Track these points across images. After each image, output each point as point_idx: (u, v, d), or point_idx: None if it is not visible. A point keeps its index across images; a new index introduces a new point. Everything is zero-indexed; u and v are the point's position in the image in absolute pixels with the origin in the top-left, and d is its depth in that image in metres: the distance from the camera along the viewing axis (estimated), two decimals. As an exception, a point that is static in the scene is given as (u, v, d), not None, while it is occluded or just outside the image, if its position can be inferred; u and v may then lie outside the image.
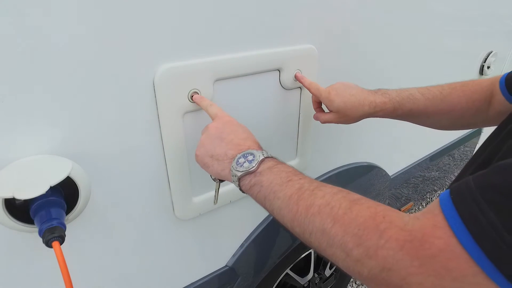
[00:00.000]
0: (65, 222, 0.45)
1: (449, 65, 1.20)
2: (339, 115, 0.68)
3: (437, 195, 2.33)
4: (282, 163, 0.46)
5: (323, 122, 0.72)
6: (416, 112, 0.69)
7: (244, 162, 0.46)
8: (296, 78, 0.72)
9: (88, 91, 0.49)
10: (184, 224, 0.71)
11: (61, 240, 0.42)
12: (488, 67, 1.36)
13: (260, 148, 0.49)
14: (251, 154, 0.46)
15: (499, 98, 0.61)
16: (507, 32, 1.40)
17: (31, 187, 0.42)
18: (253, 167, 0.45)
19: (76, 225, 0.54)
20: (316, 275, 1.32)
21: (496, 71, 1.47)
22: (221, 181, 0.54)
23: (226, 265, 0.85)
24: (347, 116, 0.68)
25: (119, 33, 0.48)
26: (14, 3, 0.40)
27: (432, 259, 0.29)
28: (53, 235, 0.41)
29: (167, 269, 0.74)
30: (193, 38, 0.56)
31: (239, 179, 0.46)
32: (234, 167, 0.46)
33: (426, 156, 1.42)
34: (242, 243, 0.87)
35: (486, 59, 1.35)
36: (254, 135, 0.53)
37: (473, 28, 1.21)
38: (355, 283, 1.70)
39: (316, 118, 0.73)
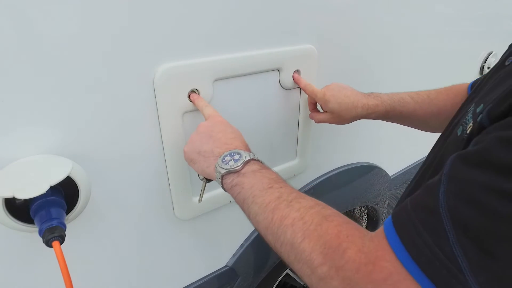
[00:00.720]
0: (65, 222, 0.45)
1: (450, 65, 1.20)
2: (333, 115, 0.70)
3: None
4: (267, 168, 0.47)
5: (318, 122, 0.74)
6: (407, 114, 0.72)
7: (230, 160, 0.46)
8: (293, 79, 0.72)
9: (88, 91, 0.49)
10: (184, 224, 0.71)
11: (61, 240, 0.42)
12: (489, 67, 1.36)
13: (247, 149, 0.50)
14: (238, 153, 0.47)
15: None
16: (507, 32, 1.40)
17: (31, 187, 0.42)
18: (238, 166, 0.45)
19: (76, 225, 0.54)
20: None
21: (496, 72, 1.47)
22: (208, 180, 0.54)
23: (226, 265, 0.85)
24: (341, 116, 0.70)
25: (119, 33, 0.48)
26: (14, 4, 0.40)
27: (384, 283, 0.30)
28: (53, 234, 0.41)
29: (167, 269, 0.74)
30: (192, 38, 0.56)
31: (222, 176, 0.46)
32: (219, 164, 0.46)
33: (426, 156, 1.42)
34: (242, 243, 0.87)
35: (486, 59, 1.35)
36: (253, 135, 0.53)
37: (473, 29, 1.21)
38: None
39: (311, 117, 0.76)
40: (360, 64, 0.87)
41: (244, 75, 0.65)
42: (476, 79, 0.62)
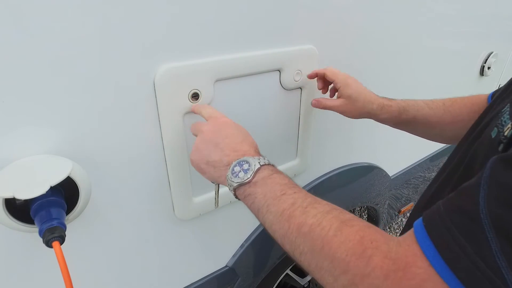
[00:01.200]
0: (66, 222, 0.45)
1: (450, 65, 1.20)
2: (349, 102, 0.67)
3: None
4: (278, 172, 0.45)
5: (324, 107, 0.70)
6: (420, 120, 0.69)
7: (240, 171, 0.44)
8: (309, 76, 0.72)
9: (89, 91, 0.49)
10: (184, 224, 0.71)
11: (61, 240, 0.42)
12: (489, 68, 1.36)
13: (256, 152, 0.48)
14: (247, 162, 0.45)
15: None
16: (507, 33, 1.40)
17: (32, 187, 0.42)
18: (248, 178, 0.43)
19: (76, 225, 0.54)
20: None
21: (497, 72, 1.47)
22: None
23: (226, 266, 0.85)
24: (354, 106, 0.67)
25: (119, 34, 0.48)
26: (14, 4, 0.40)
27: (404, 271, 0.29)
28: (53, 235, 0.41)
29: (167, 269, 0.74)
30: (193, 38, 0.56)
31: (235, 189, 0.45)
32: (229, 177, 0.45)
33: (426, 156, 1.42)
34: (242, 244, 0.87)
35: (486, 59, 1.35)
36: (254, 135, 0.53)
37: (473, 29, 1.21)
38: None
39: (317, 102, 0.70)
40: (360, 64, 0.87)
41: (245, 76, 0.65)
42: (497, 89, 0.59)
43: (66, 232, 0.43)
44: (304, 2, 0.67)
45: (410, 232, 0.32)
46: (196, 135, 0.52)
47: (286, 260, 1.04)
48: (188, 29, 0.55)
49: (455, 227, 0.28)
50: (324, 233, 0.35)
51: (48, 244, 0.41)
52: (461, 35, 1.18)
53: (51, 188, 0.43)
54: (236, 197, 0.46)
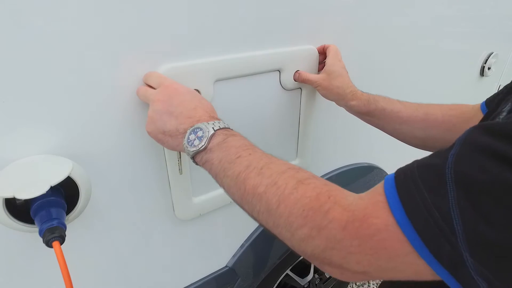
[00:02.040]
0: (66, 222, 0.45)
1: (450, 66, 1.20)
2: (327, 79, 0.69)
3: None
4: (234, 135, 0.44)
5: (304, 80, 0.71)
6: (389, 113, 0.67)
7: (195, 139, 0.44)
8: (318, 48, 0.73)
9: (89, 90, 0.49)
10: (184, 225, 0.71)
11: (62, 240, 0.42)
12: (489, 68, 1.36)
13: (211, 117, 0.47)
14: (200, 129, 0.44)
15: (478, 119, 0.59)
16: (508, 33, 1.40)
17: (32, 187, 0.42)
18: (203, 145, 0.43)
19: (76, 225, 0.54)
20: (316, 276, 1.32)
21: (497, 72, 1.47)
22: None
23: (226, 266, 0.85)
24: (330, 85, 0.68)
25: (119, 34, 0.48)
26: (15, 4, 0.40)
27: (370, 239, 0.29)
28: (54, 235, 0.41)
29: (167, 269, 0.74)
30: (193, 38, 0.56)
31: (192, 157, 0.45)
32: (185, 145, 0.44)
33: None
34: (242, 244, 0.87)
35: (486, 60, 1.35)
36: (254, 135, 0.52)
37: (473, 29, 1.21)
38: (355, 284, 1.69)
39: (298, 74, 0.71)
40: (359, 64, 0.87)
41: (245, 76, 0.65)
42: (491, 96, 0.58)
43: (66, 232, 0.43)
44: (305, 2, 0.67)
45: (379, 185, 0.33)
46: (145, 102, 0.51)
47: (286, 260, 1.04)
48: (188, 29, 0.55)
49: (421, 181, 0.29)
50: (280, 192, 0.35)
51: (48, 244, 0.41)
52: (461, 35, 1.18)
53: (51, 188, 0.43)
54: (196, 164, 0.46)
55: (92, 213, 0.56)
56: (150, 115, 0.49)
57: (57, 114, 0.48)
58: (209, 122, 0.45)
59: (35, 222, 0.44)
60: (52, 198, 0.45)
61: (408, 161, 0.52)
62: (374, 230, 0.29)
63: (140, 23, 0.50)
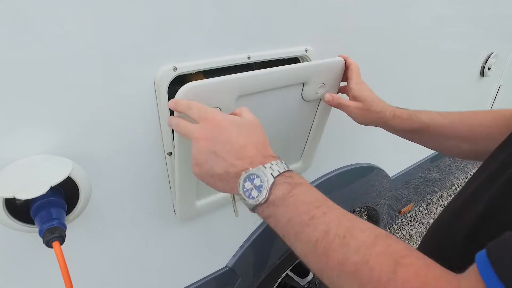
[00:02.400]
0: (66, 222, 0.45)
1: (450, 66, 1.20)
2: (363, 106, 0.65)
3: (438, 196, 2.33)
4: (298, 184, 0.38)
5: (338, 105, 0.67)
6: (433, 128, 0.64)
7: (252, 189, 0.38)
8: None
9: (89, 90, 0.49)
10: (184, 225, 0.71)
11: (62, 240, 0.42)
12: (489, 69, 1.36)
13: (265, 156, 0.41)
14: (257, 176, 0.38)
15: None
16: (508, 33, 1.40)
17: (32, 187, 0.42)
18: (264, 198, 0.37)
19: (76, 226, 0.54)
20: (316, 277, 1.32)
21: (497, 73, 1.47)
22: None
23: (226, 266, 0.85)
24: (369, 112, 0.65)
25: (128, 38, 0.48)
26: (15, 4, 0.40)
27: None
28: (54, 235, 0.41)
29: (168, 270, 0.74)
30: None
31: (252, 210, 0.40)
32: (242, 195, 0.39)
33: (427, 157, 1.42)
34: (243, 244, 0.87)
35: (487, 60, 1.35)
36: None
37: (474, 30, 1.21)
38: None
39: (332, 98, 0.67)
40: (360, 65, 0.87)
41: (269, 90, 0.61)
42: None
43: (66, 232, 0.43)
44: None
45: (473, 269, 0.28)
46: (186, 137, 0.45)
47: (286, 260, 1.04)
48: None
49: None
50: (375, 277, 0.30)
51: (48, 244, 0.41)
52: (461, 35, 1.18)
53: (51, 188, 0.43)
54: (255, 213, 0.41)
55: (92, 214, 0.56)
56: (195, 157, 0.43)
57: (57, 114, 0.48)
58: (265, 166, 0.39)
59: (35, 222, 0.44)
60: (52, 198, 0.45)
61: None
62: None
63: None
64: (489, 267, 0.26)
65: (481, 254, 0.27)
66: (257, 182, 0.38)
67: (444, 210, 0.52)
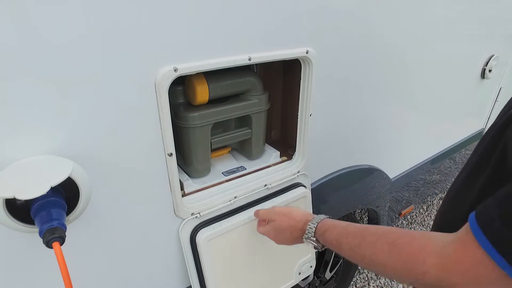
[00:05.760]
0: (66, 223, 0.45)
1: (451, 68, 1.20)
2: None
3: (438, 198, 2.33)
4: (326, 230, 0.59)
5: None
6: None
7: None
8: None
9: (90, 92, 0.49)
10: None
11: (62, 240, 0.42)
12: (490, 71, 1.36)
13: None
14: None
15: None
16: (509, 35, 1.40)
17: (32, 188, 0.42)
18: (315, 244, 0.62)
19: (76, 226, 0.54)
20: (316, 278, 1.32)
21: (498, 75, 1.47)
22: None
23: (226, 267, 0.85)
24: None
25: (127, 40, 0.48)
26: (16, 4, 0.40)
27: (467, 272, 0.36)
28: (54, 235, 0.41)
29: (168, 270, 0.74)
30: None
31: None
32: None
33: (427, 159, 1.42)
34: (243, 245, 0.86)
35: (487, 62, 1.35)
36: None
37: (474, 32, 1.21)
38: (355, 286, 1.69)
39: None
40: (361, 67, 0.87)
41: None
42: None
43: (66, 233, 0.43)
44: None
45: (464, 229, 0.38)
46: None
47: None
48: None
49: (503, 221, 0.34)
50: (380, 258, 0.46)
51: (48, 244, 0.41)
52: (462, 37, 1.18)
53: (52, 188, 0.43)
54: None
55: (92, 214, 0.56)
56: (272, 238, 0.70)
57: (58, 115, 0.48)
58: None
59: (35, 223, 0.44)
60: (52, 198, 0.45)
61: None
62: (470, 265, 0.36)
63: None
64: (474, 221, 0.36)
65: (471, 215, 0.37)
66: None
67: (448, 190, 0.59)
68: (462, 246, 0.37)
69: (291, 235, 0.65)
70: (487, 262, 0.34)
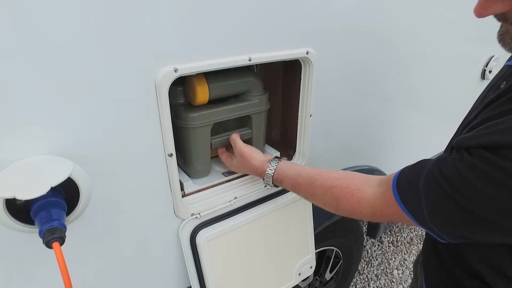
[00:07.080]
0: (66, 223, 0.45)
1: (451, 69, 1.21)
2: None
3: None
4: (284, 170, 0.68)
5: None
6: None
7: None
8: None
9: (90, 92, 0.49)
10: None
11: (62, 241, 0.42)
12: (490, 72, 1.36)
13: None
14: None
15: None
16: (509, 36, 1.40)
17: (32, 188, 0.42)
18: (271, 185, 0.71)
19: (76, 226, 0.54)
20: (316, 279, 1.32)
21: (498, 76, 1.47)
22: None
23: (226, 268, 0.85)
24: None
25: (127, 40, 0.48)
26: (16, 4, 0.40)
27: (388, 217, 0.54)
28: (54, 235, 0.41)
29: (168, 270, 0.74)
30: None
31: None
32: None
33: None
34: (243, 246, 0.86)
35: (487, 63, 1.35)
36: None
37: (474, 32, 1.21)
38: (355, 287, 1.69)
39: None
40: (361, 68, 0.87)
41: None
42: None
43: (66, 233, 0.43)
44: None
45: (388, 183, 0.52)
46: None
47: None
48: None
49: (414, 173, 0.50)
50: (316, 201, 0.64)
51: (48, 245, 0.41)
52: (462, 38, 1.18)
53: (52, 188, 0.43)
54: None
55: (92, 214, 0.56)
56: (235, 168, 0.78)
57: (58, 115, 0.48)
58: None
59: (35, 223, 0.44)
60: (52, 199, 0.45)
61: (409, 163, 0.53)
62: (388, 213, 0.53)
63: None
64: (395, 184, 0.51)
65: (394, 178, 0.52)
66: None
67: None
68: (387, 204, 0.51)
69: (251, 174, 0.76)
70: (401, 214, 0.49)
